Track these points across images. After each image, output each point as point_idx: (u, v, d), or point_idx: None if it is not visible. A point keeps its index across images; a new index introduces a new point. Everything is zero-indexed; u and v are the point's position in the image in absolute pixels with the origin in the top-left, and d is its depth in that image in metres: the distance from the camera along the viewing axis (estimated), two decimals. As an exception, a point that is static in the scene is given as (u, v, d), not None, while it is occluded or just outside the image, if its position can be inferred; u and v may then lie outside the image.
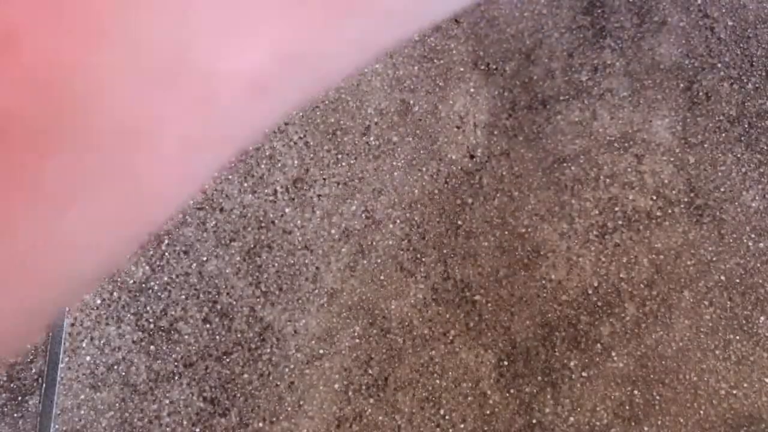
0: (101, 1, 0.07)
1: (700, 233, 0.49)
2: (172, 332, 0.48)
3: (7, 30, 0.07)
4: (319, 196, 0.50)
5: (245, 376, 0.48)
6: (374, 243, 0.49)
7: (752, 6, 0.54)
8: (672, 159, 0.50)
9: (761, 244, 0.50)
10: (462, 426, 0.47)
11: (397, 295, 0.48)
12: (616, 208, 0.50)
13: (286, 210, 0.50)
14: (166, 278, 0.47)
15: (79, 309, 0.48)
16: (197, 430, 0.47)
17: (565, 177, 0.50)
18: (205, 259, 0.48)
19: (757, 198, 0.50)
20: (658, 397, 0.47)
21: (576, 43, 0.53)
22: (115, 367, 0.48)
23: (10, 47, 0.07)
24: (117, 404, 0.48)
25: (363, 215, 0.50)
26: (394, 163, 0.51)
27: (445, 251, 0.49)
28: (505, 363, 0.48)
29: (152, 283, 0.48)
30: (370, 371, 0.48)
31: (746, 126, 0.52)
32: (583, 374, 0.48)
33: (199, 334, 0.48)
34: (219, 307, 0.47)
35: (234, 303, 0.47)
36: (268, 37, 0.08)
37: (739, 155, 0.51)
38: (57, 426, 0.48)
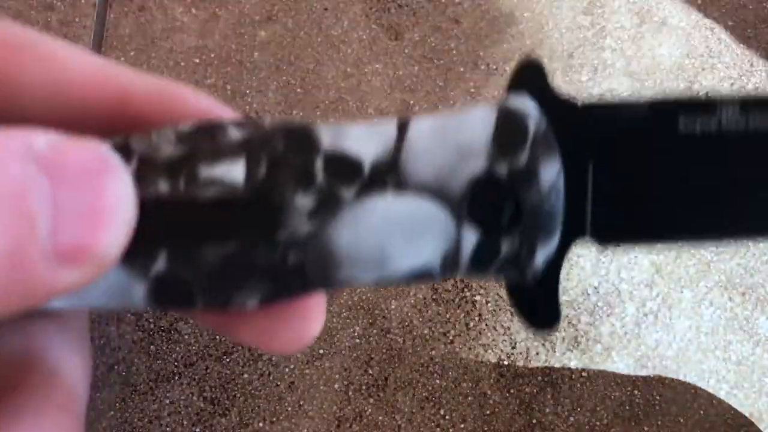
0: None
1: (700, 233, 0.50)
2: (173, 332, 0.48)
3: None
4: (319, 196, 0.50)
5: (245, 376, 0.48)
6: (374, 243, 0.49)
7: (752, 6, 0.54)
8: (672, 159, 0.50)
9: (761, 245, 0.50)
10: (462, 426, 0.47)
11: (397, 295, 0.48)
12: (617, 208, 0.50)
13: (287, 210, 0.50)
14: (166, 278, 0.47)
15: (80, 309, 0.48)
16: (197, 429, 0.47)
17: (565, 177, 0.50)
18: (205, 259, 0.48)
19: (757, 198, 0.50)
20: (658, 397, 0.47)
21: (576, 43, 0.53)
22: (116, 367, 0.48)
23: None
24: (117, 404, 0.48)
25: (363, 215, 0.50)
26: (395, 163, 0.50)
27: (445, 251, 0.49)
28: (506, 363, 0.48)
29: (152, 283, 0.48)
30: (370, 371, 0.48)
31: (746, 126, 0.52)
32: (583, 374, 0.48)
33: (199, 334, 0.48)
34: (219, 307, 0.47)
35: (234, 303, 0.47)
36: None
37: (739, 155, 0.51)
38: (57, 426, 0.48)
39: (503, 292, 0.49)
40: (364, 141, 0.18)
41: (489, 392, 0.47)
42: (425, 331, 0.48)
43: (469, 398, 0.47)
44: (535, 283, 0.21)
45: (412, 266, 0.19)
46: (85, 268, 0.12)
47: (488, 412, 0.47)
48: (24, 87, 0.15)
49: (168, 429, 0.47)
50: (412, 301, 0.48)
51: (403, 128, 0.19)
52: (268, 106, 0.50)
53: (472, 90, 0.51)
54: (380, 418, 0.47)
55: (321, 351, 0.48)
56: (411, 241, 0.19)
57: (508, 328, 0.48)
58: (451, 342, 0.48)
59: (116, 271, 0.16)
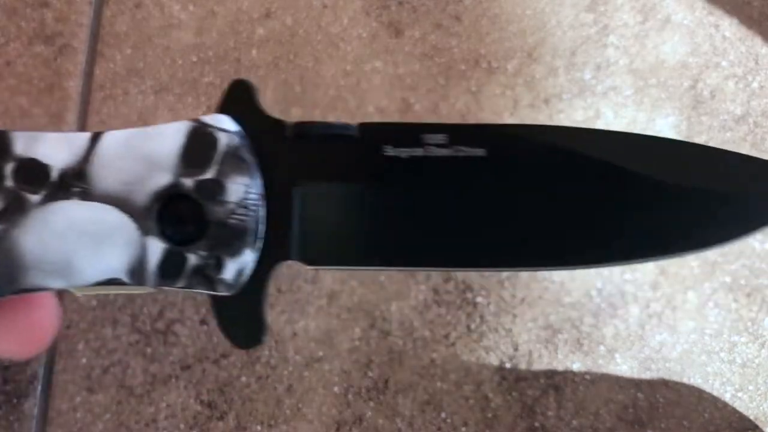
0: None
1: (704, 234, 0.49)
2: (169, 334, 0.48)
3: None
4: (318, 195, 0.50)
5: (243, 378, 0.47)
6: (374, 243, 0.49)
7: (757, 3, 0.54)
8: (676, 158, 0.50)
9: (767, 245, 0.49)
10: (464, 429, 0.46)
11: (398, 297, 0.47)
12: (620, 208, 0.50)
13: (285, 210, 0.49)
14: (162, 279, 0.47)
15: (74, 311, 0.47)
16: (194, 433, 0.47)
17: (567, 177, 0.50)
18: (202, 259, 0.47)
19: (762, 198, 0.49)
20: (662, 400, 0.47)
21: (579, 41, 0.52)
22: (111, 369, 0.47)
23: None
24: (113, 407, 0.47)
25: (363, 215, 0.49)
26: (395, 163, 0.50)
27: (446, 252, 0.48)
28: (507, 366, 0.47)
29: (149, 285, 0.47)
30: (370, 374, 0.47)
31: (751, 125, 0.52)
32: (587, 377, 0.47)
33: (196, 336, 0.47)
34: (216, 308, 0.47)
35: (232, 304, 0.47)
36: None
37: (744, 155, 0.51)
38: (53, 429, 0.47)
39: (505, 294, 0.48)
40: (56, 149, 0.19)
41: (491, 395, 0.47)
42: (426, 334, 0.47)
43: (471, 401, 0.47)
44: (237, 298, 0.21)
45: (98, 274, 0.19)
46: None
47: (490, 415, 0.47)
48: None
49: (165, 433, 0.46)
50: (413, 303, 0.47)
51: (95, 139, 0.20)
52: (267, 105, 0.49)
53: (474, 88, 0.50)
54: (380, 421, 0.46)
55: (320, 353, 0.47)
56: (96, 249, 0.19)
57: (510, 330, 0.47)
58: (453, 344, 0.47)
59: None
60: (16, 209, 0.18)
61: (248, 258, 0.21)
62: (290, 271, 0.47)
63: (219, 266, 0.21)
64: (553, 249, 0.23)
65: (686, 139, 0.51)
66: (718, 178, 0.22)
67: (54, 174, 0.19)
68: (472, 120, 0.50)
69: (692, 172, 0.22)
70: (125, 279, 0.20)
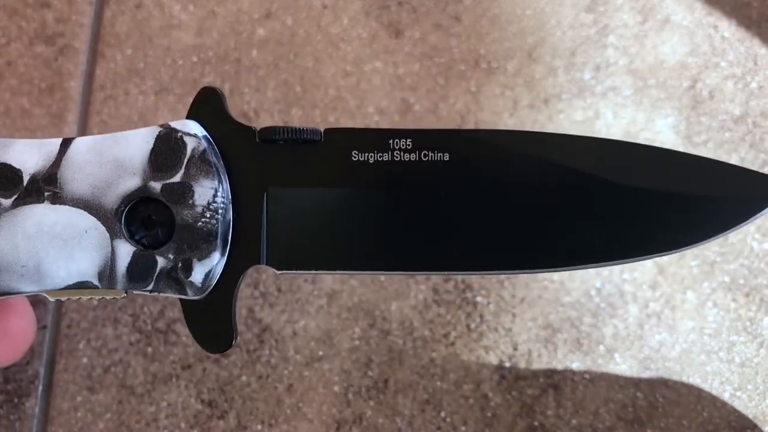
0: None
1: (703, 234, 0.49)
2: (170, 334, 0.48)
3: None
4: (318, 195, 0.50)
5: (243, 378, 0.47)
6: (374, 243, 0.49)
7: (756, 4, 0.54)
8: (675, 158, 0.50)
9: (766, 245, 0.49)
10: (463, 428, 0.46)
11: (398, 297, 0.48)
12: (619, 208, 0.50)
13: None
14: (163, 279, 0.47)
15: (75, 310, 0.47)
16: (195, 432, 0.47)
17: (567, 176, 0.50)
18: (203, 259, 0.47)
19: (761, 198, 0.49)
20: (661, 400, 0.47)
21: (579, 41, 0.53)
22: (112, 368, 0.47)
23: None
24: (114, 406, 0.47)
25: (363, 215, 0.49)
26: (395, 163, 0.50)
27: (446, 252, 0.48)
28: (507, 365, 0.47)
29: (149, 284, 0.47)
30: (370, 373, 0.47)
31: (750, 125, 0.52)
32: (586, 376, 0.47)
33: (196, 335, 0.47)
34: (217, 308, 0.47)
35: (232, 304, 0.47)
36: None
37: (743, 155, 0.51)
38: (54, 428, 0.47)
39: (505, 294, 0.48)
40: (28, 155, 0.19)
41: (490, 394, 0.47)
42: (426, 333, 0.47)
43: (471, 401, 0.47)
44: (206, 301, 0.22)
45: (69, 277, 0.20)
46: None
47: (490, 415, 0.47)
48: None
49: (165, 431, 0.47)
50: (413, 303, 0.47)
51: (66, 144, 0.20)
52: (267, 105, 0.49)
53: (473, 88, 0.50)
54: (380, 420, 0.47)
55: (320, 353, 0.47)
56: (66, 252, 0.19)
57: (510, 330, 0.47)
58: (452, 344, 0.47)
59: None
60: None
61: (216, 261, 0.21)
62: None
63: (187, 269, 0.21)
64: (514, 250, 0.23)
65: (686, 139, 0.51)
66: (677, 181, 0.23)
67: (25, 179, 0.19)
68: (472, 120, 0.50)
69: (648, 175, 0.22)
70: (95, 282, 0.20)
